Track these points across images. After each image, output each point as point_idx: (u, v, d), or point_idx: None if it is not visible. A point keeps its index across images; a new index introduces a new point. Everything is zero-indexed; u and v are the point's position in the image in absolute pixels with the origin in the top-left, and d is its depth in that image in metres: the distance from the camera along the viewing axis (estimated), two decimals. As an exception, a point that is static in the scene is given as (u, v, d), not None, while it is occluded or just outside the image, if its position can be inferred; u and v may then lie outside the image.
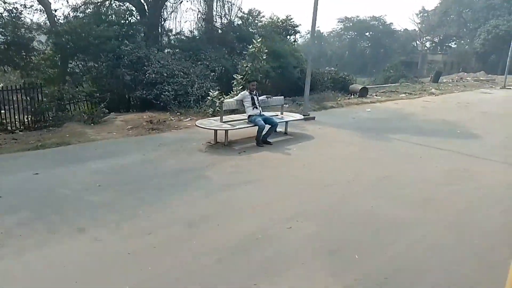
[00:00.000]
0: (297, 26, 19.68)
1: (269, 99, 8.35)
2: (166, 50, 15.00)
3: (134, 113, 11.49)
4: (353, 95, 17.10)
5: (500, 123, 11.26)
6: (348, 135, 8.86)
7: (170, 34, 16.50)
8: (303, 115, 10.55)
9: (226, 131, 7.25)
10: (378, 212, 4.45)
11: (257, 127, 7.36)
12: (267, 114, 8.54)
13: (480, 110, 13.75)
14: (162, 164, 6.07)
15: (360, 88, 17.35)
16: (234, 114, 8.47)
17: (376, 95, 18.05)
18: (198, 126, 7.29)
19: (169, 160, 6.32)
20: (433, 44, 62.85)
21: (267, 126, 7.58)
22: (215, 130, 7.33)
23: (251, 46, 10.69)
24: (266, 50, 10.84)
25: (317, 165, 6.31)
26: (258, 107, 7.64)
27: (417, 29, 60.67)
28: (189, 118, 9.94)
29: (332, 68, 19.96)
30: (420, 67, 54.33)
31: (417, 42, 62.94)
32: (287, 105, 13.57)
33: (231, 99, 7.99)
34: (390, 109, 13.53)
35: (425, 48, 64.17)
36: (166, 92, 11.56)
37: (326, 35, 61.97)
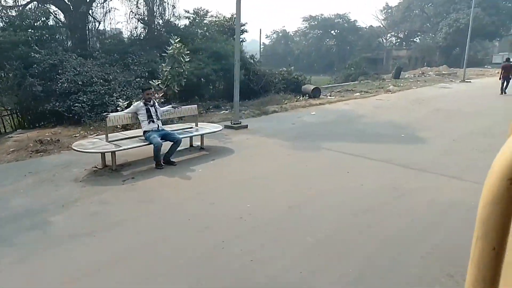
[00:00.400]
0: (243, 25, 18.44)
1: (176, 109, 7.02)
2: (95, 54, 13.44)
3: (39, 129, 9.90)
4: (304, 96, 16.03)
5: (452, 121, 10.37)
6: (277, 146, 7.64)
7: (101, 37, 14.91)
8: (234, 124, 9.31)
9: (113, 153, 5.86)
10: (256, 268, 3.20)
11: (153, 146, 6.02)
12: (176, 127, 7.22)
13: (434, 107, 12.89)
14: (3, 205, 4.63)
15: (312, 88, 16.28)
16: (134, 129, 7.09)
17: (329, 95, 17.05)
18: (73, 149, 5.85)
19: (18, 197, 4.86)
20: (398, 40, 63.30)
21: (168, 143, 6.26)
22: (102, 153, 5.92)
23: (170, 47, 9.33)
24: (188, 52, 9.52)
25: (214, 193, 5.02)
26: (155, 120, 6.29)
27: (381, 25, 60.87)
28: (95, 134, 8.47)
29: (284, 68, 18.81)
30: (385, 63, 54.42)
31: (382, 38, 63.25)
32: (227, 111, 12.34)
33: (120, 113, 6.58)
34: (338, 111, 12.46)
35: (392, 44, 64.67)
36: (79, 104, 10.05)
37: (292, 34, 61.26)
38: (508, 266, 0.46)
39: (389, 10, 61.79)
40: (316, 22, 57.92)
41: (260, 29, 53.63)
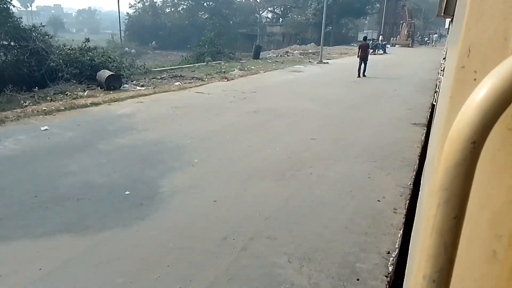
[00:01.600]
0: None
1: None
2: None
3: None
4: (102, 88, 11.01)
5: (257, 139, 6.55)
6: None
7: None
8: None
9: None
10: None
11: None
12: None
13: (258, 106, 9.10)
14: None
15: (106, 76, 11.23)
16: None
17: (140, 86, 12.27)
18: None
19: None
20: (276, 16, 61.35)
21: None
22: None
23: None
24: None
25: None
26: None
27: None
28: None
29: (73, 40, 13.37)
30: (260, 40, 51.79)
31: (259, 13, 60.58)
32: None
33: None
34: (98, 120, 7.71)
35: (268, 19, 62.47)
36: None
37: (160, 3, 54.20)
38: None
39: (264, -17, 59.04)
40: (184, -8, 51.94)
41: (118, -1, 45.22)
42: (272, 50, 39.61)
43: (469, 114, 0.42)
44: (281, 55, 27.39)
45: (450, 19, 2.05)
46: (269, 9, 61.32)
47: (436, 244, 0.44)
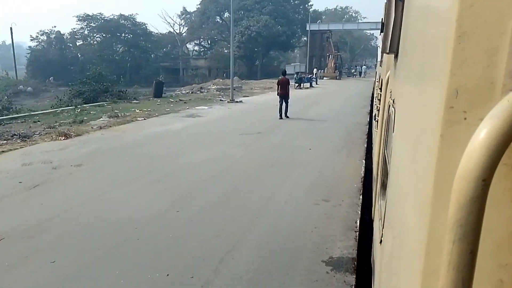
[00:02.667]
0: None
1: None
2: None
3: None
4: None
5: None
6: None
7: None
8: None
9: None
10: None
11: None
12: None
13: (39, 210, 4.59)
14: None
15: None
16: None
17: None
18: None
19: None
20: (203, 49, 58.12)
21: None
22: None
23: None
24: None
25: None
26: None
27: (178, 31, 54.34)
28: None
29: None
30: (183, 74, 47.84)
31: (185, 46, 57.00)
32: None
33: None
34: None
35: (196, 52, 59.03)
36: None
37: (69, 36, 48.24)
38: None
39: (188, 16, 55.97)
40: (96, 23, 46.74)
41: (11, 28, 39.07)
42: (194, 85, 35.68)
43: (478, 154, 0.44)
44: (192, 92, 23.39)
45: (384, 53, 2.24)
46: (196, 42, 58.12)
47: (455, 280, 0.45)
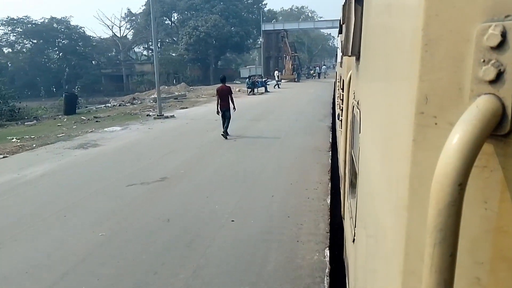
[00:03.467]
0: None
1: None
2: None
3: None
4: None
5: None
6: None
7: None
8: None
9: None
10: None
11: None
12: None
13: None
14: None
15: None
16: None
17: None
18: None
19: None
20: (152, 52, 53.54)
21: None
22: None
23: None
24: None
25: None
26: None
27: (120, 35, 49.53)
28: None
29: None
30: (128, 81, 43.26)
31: (132, 50, 52.30)
32: None
33: None
34: None
35: (143, 56, 54.36)
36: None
37: (-9, 43, 42.23)
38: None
39: (133, 18, 51.34)
40: (23, 28, 41.16)
41: None
42: (136, 94, 31.53)
43: (453, 160, 0.46)
44: (120, 105, 19.34)
45: (344, 55, 2.26)
46: (144, 45, 53.53)
47: (437, 282, 0.46)
